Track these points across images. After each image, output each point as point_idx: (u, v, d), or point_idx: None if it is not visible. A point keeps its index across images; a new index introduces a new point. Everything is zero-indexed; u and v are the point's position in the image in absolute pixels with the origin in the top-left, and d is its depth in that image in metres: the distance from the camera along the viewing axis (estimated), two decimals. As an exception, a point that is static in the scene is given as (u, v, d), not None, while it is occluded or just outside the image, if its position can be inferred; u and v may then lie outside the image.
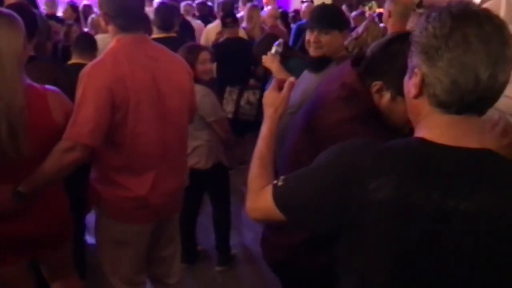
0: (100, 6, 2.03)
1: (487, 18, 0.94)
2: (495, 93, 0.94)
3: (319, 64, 2.41)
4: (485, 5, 1.93)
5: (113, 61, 1.96)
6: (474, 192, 0.92)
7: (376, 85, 1.40)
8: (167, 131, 2.11)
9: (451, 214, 0.91)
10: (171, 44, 3.21)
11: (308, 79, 2.40)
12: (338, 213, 1.02)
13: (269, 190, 1.19)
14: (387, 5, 3.25)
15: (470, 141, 0.96)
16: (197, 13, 6.75)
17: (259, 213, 1.25)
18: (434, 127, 0.99)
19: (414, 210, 0.93)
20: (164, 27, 3.83)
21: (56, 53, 4.47)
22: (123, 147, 2.00)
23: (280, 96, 1.48)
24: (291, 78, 1.51)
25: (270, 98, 1.49)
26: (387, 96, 1.40)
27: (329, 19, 2.41)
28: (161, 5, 4.06)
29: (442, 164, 0.95)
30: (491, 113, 1.32)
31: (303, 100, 2.35)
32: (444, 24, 0.93)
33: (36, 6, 4.50)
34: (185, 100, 2.20)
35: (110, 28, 2.03)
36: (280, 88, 1.51)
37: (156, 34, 3.89)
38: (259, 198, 1.23)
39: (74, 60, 3.21)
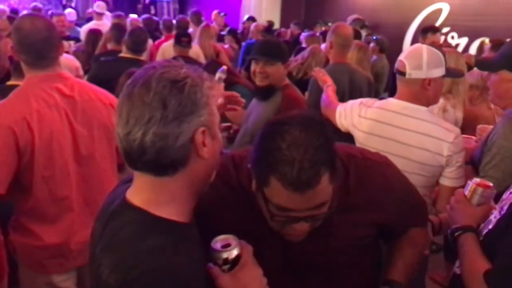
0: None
1: (146, 84, 0.97)
2: (137, 150, 0.97)
3: (266, 93, 2.66)
4: (408, 52, 2.05)
5: (18, 101, 1.85)
6: (102, 241, 1.03)
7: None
8: (86, 175, 1.98)
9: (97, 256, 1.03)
10: (137, 66, 3.22)
11: (258, 108, 2.69)
12: None
13: None
14: (329, 36, 3.37)
15: (135, 197, 1.04)
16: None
17: None
18: None
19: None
20: (133, 49, 3.93)
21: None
22: (31, 192, 1.87)
23: None
24: None
25: None
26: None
27: (274, 51, 2.62)
28: (136, 29, 4.28)
29: (108, 213, 1.07)
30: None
31: (257, 127, 2.44)
32: None
33: None
34: (112, 140, 2.03)
35: (21, 61, 1.93)
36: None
37: (124, 53, 3.98)
38: None
39: (13, 81, 3.09)
